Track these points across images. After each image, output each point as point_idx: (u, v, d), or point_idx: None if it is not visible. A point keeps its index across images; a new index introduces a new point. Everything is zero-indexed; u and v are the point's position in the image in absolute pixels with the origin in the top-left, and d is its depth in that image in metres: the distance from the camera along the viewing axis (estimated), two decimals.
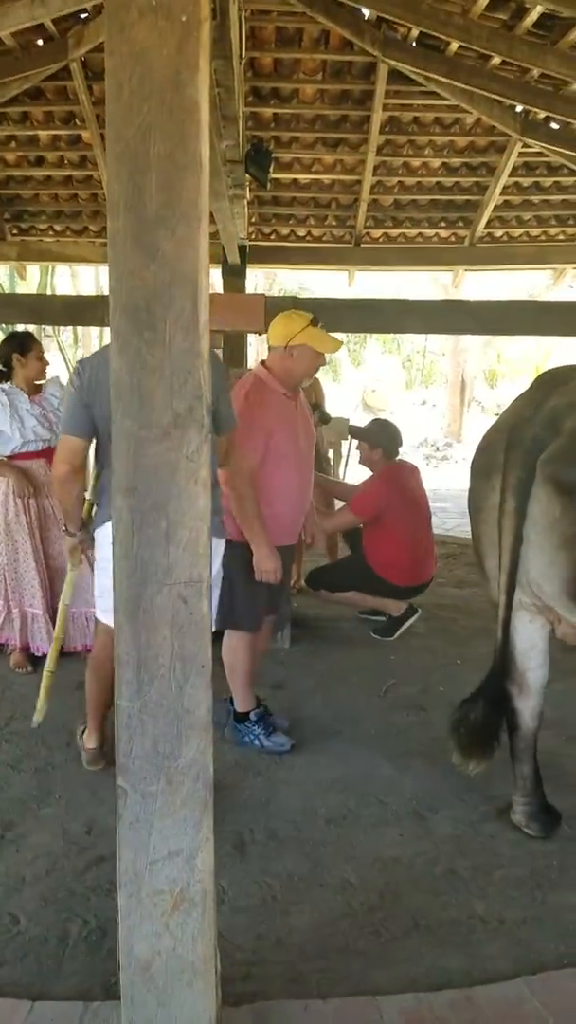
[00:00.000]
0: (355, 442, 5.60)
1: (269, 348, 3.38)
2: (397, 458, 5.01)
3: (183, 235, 1.47)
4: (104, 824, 2.68)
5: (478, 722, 2.74)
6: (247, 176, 5.10)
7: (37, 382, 4.22)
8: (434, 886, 2.50)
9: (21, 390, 4.13)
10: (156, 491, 1.57)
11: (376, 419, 5.17)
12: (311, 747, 3.39)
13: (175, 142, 1.47)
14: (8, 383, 4.16)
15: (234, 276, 7.21)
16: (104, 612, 2.89)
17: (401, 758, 3.31)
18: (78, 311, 8.38)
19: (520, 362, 22.80)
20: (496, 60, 5.30)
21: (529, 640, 2.75)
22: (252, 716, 3.38)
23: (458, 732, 2.79)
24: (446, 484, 11.51)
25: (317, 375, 5.77)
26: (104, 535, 2.55)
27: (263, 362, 3.38)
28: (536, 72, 5.29)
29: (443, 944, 2.24)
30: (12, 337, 4.41)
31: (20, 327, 7.84)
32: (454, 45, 5.26)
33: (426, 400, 22.94)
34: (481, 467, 2.81)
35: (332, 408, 6.14)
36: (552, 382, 2.77)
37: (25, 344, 4.20)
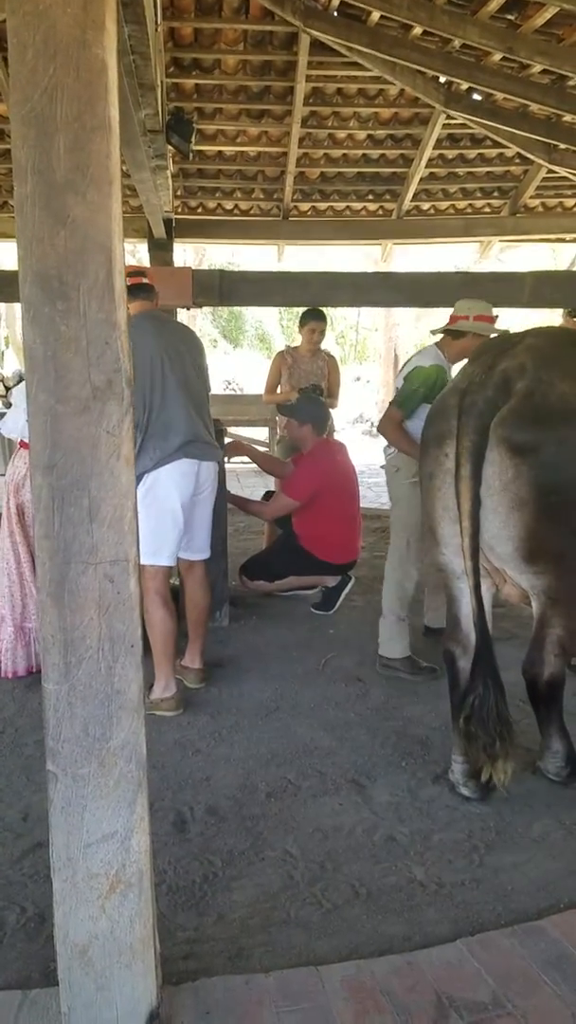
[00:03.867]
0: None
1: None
2: (324, 435, 5.01)
3: (94, 200, 1.41)
4: (41, 810, 2.63)
5: (490, 709, 2.60)
6: (169, 147, 5.00)
7: None
8: (374, 853, 2.52)
9: None
10: (76, 468, 1.52)
11: (302, 396, 5.15)
12: (251, 723, 3.39)
13: (83, 104, 1.41)
14: None
15: (161, 250, 7.08)
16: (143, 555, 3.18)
17: (340, 729, 3.33)
18: None
19: None
20: (417, 30, 5.27)
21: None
22: None
23: (471, 735, 2.63)
24: (381, 459, 11.59)
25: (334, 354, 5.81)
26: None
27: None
28: (457, 43, 5.27)
29: (384, 911, 2.26)
30: None
31: None
32: (375, 15, 5.21)
33: (360, 376, 23.01)
34: (434, 434, 2.82)
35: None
36: (500, 346, 2.80)
37: None
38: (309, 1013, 1.84)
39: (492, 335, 3.66)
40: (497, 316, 3.95)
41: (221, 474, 4.04)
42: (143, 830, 1.66)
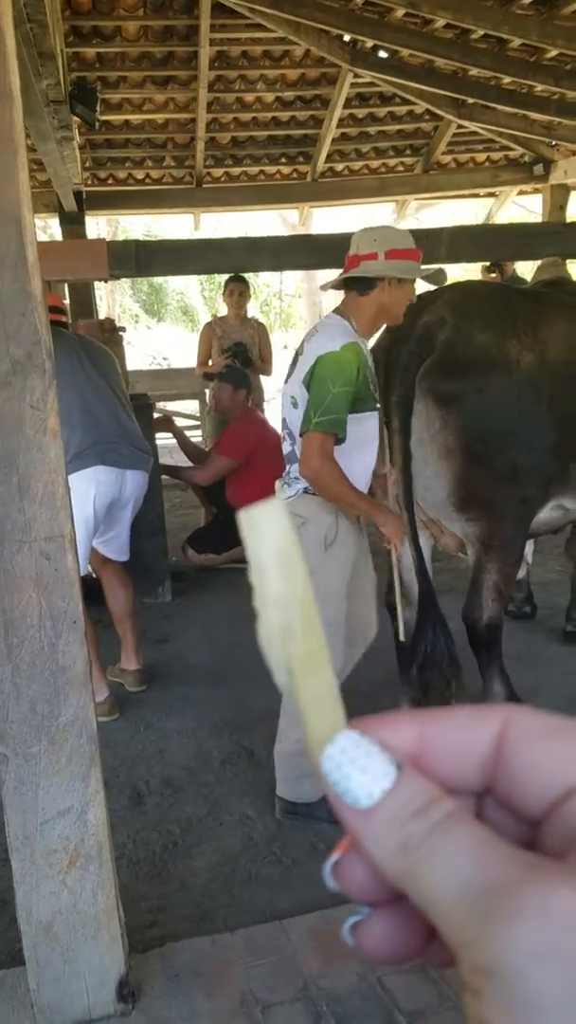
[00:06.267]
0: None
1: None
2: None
3: (0, 170, 1.38)
4: None
5: (442, 653, 2.66)
6: (74, 117, 4.87)
7: None
8: (330, 809, 2.56)
9: None
10: (2, 445, 1.50)
11: (228, 365, 5.15)
12: (201, 695, 3.40)
13: None
14: None
15: (73, 224, 6.90)
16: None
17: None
18: None
19: None
20: None
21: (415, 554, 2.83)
22: None
23: (427, 684, 2.67)
24: None
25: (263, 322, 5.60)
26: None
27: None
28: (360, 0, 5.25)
29: None
30: None
31: None
32: None
33: (287, 344, 22.92)
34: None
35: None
36: (421, 302, 2.82)
37: None
38: (277, 965, 1.88)
39: (425, 277, 2.55)
40: (421, 246, 2.55)
41: (154, 450, 4.00)
42: (99, 803, 1.66)
